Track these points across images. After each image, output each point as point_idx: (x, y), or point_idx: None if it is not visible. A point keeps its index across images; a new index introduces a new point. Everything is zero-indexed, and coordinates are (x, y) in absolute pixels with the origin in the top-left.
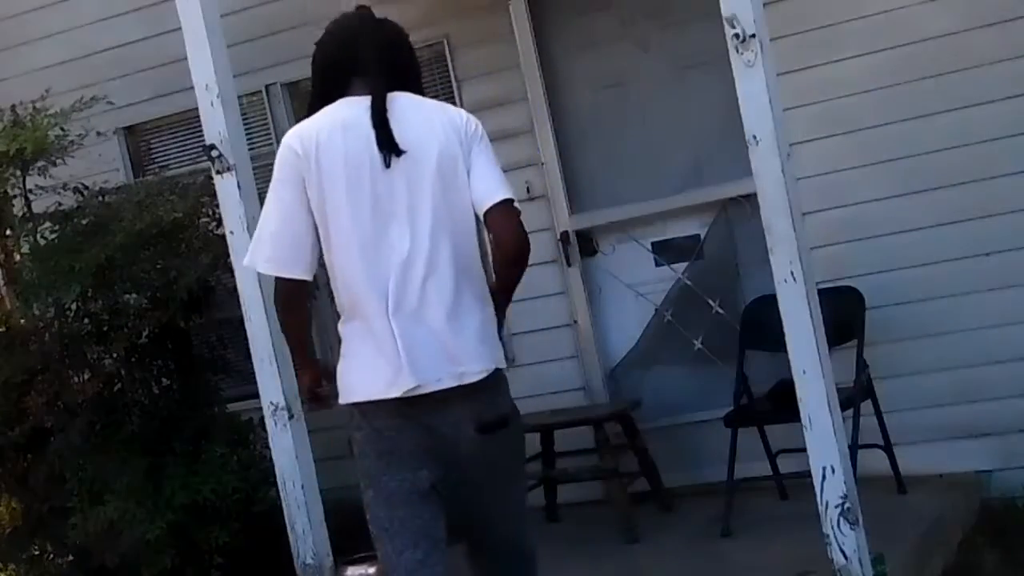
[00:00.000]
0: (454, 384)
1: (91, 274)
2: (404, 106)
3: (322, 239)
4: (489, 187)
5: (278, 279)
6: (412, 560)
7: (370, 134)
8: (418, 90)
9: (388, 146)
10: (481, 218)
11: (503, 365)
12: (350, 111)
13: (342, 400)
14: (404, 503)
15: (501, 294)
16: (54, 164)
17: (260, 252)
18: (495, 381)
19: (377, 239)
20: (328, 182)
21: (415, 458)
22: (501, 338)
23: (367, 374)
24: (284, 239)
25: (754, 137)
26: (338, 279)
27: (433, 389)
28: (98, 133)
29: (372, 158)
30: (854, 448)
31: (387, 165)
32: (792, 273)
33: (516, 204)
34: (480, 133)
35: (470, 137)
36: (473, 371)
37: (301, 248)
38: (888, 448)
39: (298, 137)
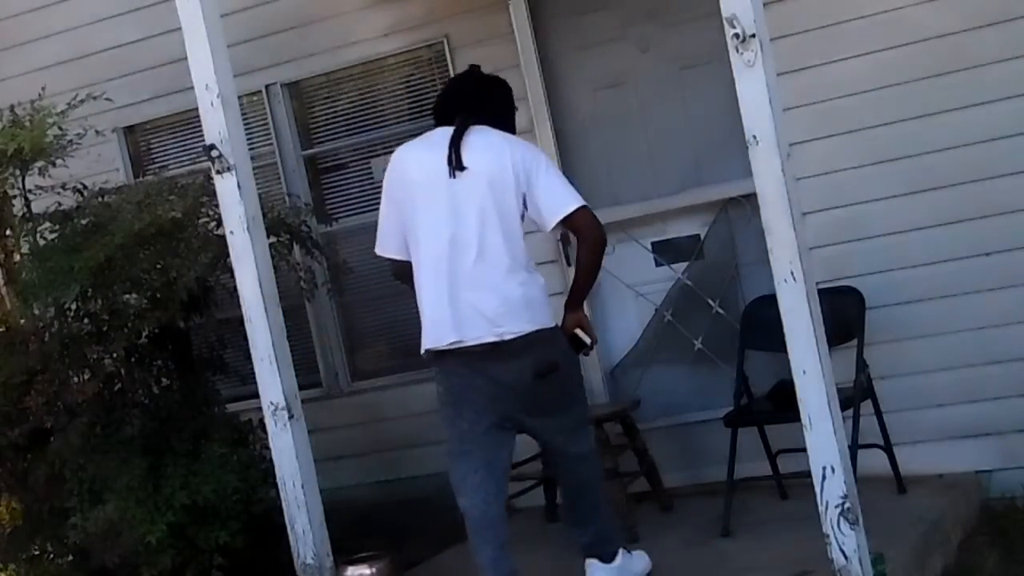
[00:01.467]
0: (497, 340)
1: (91, 274)
2: (478, 136)
3: (407, 227)
4: (557, 202)
5: (389, 258)
6: (474, 481)
7: (445, 152)
8: (502, 127)
9: (454, 162)
10: (553, 227)
11: (550, 325)
12: (436, 136)
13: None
14: (471, 439)
15: (582, 275)
16: (53, 164)
17: (377, 240)
18: (544, 337)
19: (439, 229)
20: (409, 185)
21: (479, 402)
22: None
23: (428, 328)
24: (384, 229)
25: (754, 137)
26: (413, 255)
27: (477, 343)
28: (97, 132)
29: (444, 169)
30: (854, 448)
31: (452, 176)
32: (792, 273)
33: (585, 206)
34: (538, 160)
35: (526, 164)
36: (514, 331)
37: (395, 237)
38: (888, 448)
39: (396, 152)
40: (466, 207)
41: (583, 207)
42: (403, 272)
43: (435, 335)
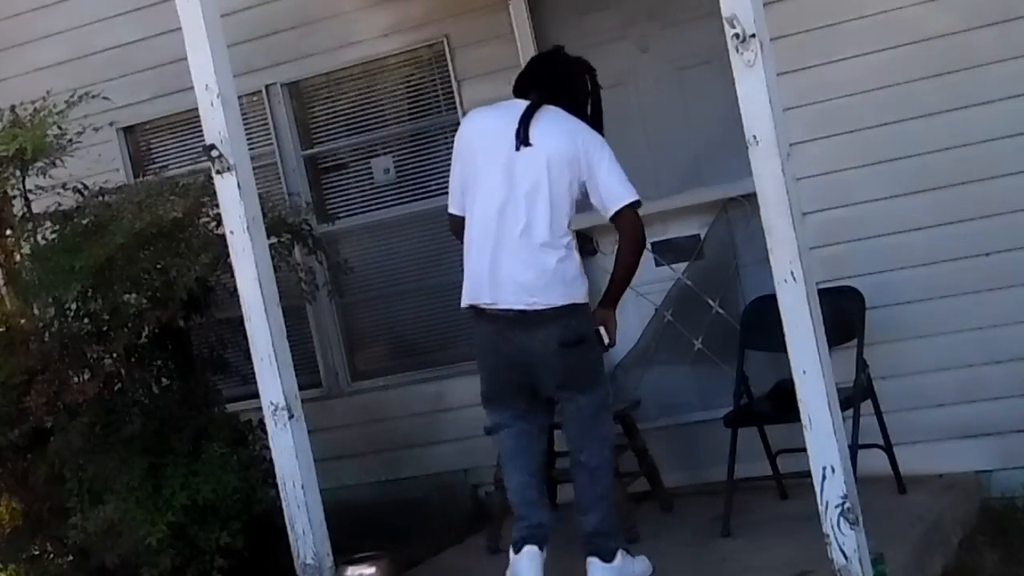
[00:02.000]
0: (526, 308)
1: (91, 274)
2: (549, 115)
3: (466, 186)
4: (611, 194)
5: (451, 214)
6: (502, 424)
7: (514, 124)
8: (575, 111)
9: (520, 136)
10: (608, 217)
11: (581, 300)
12: (510, 106)
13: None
14: (498, 394)
15: (618, 272)
16: (54, 164)
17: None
18: (573, 310)
19: (493, 195)
20: (475, 148)
21: (505, 366)
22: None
23: (468, 284)
24: (451, 186)
25: (754, 137)
26: (467, 214)
27: (507, 307)
28: (95, 129)
29: (510, 141)
30: (854, 448)
31: (517, 148)
32: (792, 273)
33: (636, 200)
34: (602, 152)
35: (590, 153)
36: (544, 302)
37: (458, 193)
38: (888, 448)
39: (469, 115)
40: (521, 180)
41: (631, 204)
42: (459, 228)
43: (473, 292)
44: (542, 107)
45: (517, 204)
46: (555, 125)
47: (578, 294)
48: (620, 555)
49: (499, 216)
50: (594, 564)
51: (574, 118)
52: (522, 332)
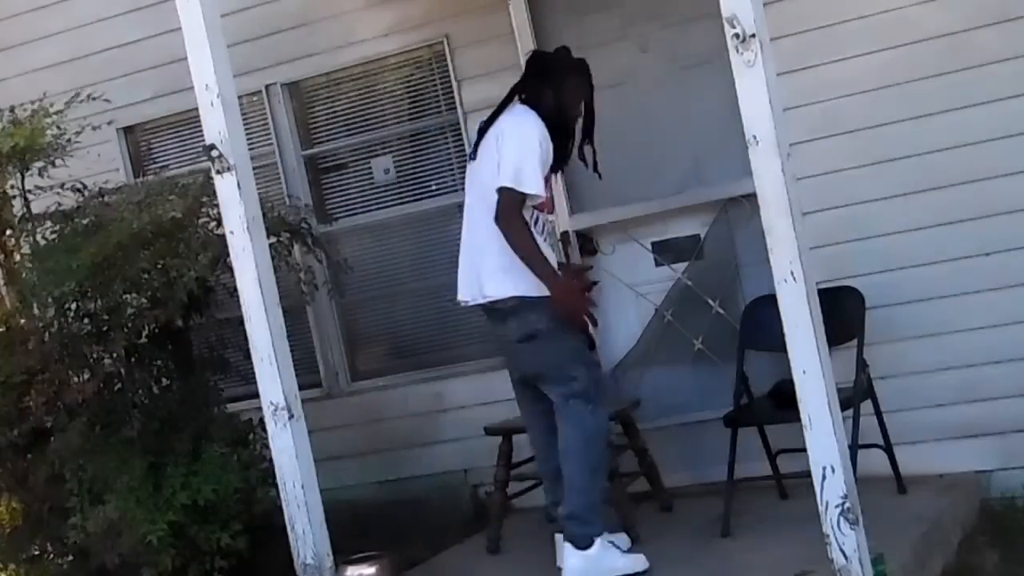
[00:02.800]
0: (483, 302)
1: (88, 272)
2: (502, 118)
3: None
4: (499, 175)
5: None
6: (521, 406)
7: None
8: (541, 110)
9: (473, 149)
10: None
11: (530, 294)
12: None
13: None
14: (512, 378)
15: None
16: (53, 164)
17: None
18: (526, 306)
19: (465, 205)
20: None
21: (501, 353)
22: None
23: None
24: None
25: (754, 137)
26: None
27: (472, 303)
28: (94, 128)
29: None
30: (854, 448)
31: (471, 157)
32: (792, 273)
33: (506, 188)
34: (509, 135)
35: (502, 136)
36: (494, 295)
37: None
38: (888, 448)
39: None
40: (473, 188)
41: (504, 188)
42: None
43: (458, 290)
44: (502, 113)
45: (470, 209)
46: (499, 127)
47: (528, 287)
48: (598, 544)
49: (465, 221)
50: (566, 549)
51: (522, 115)
52: (494, 323)
